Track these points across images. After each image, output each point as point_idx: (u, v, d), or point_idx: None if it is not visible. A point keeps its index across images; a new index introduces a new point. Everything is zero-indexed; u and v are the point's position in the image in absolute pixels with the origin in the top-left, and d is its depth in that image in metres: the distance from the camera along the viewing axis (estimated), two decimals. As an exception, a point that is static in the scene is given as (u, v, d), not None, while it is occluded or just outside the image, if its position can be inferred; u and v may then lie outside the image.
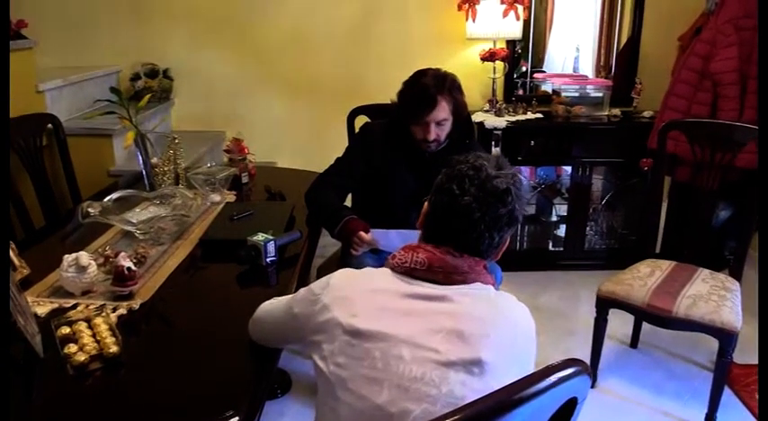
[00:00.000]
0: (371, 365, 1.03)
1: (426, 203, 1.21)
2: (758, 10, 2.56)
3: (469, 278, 1.12)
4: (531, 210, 3.62)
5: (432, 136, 2.03)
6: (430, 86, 1.99)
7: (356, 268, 1.22)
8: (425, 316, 1.07)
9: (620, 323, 2.63)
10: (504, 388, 0.86)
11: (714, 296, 2.15)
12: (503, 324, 1.08)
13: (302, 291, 1.22)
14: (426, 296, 1.09)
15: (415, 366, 1.01)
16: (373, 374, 1.03)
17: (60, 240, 2.03)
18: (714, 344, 2.13)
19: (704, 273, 2.33)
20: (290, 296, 1.26)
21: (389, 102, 2.14)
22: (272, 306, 1.32)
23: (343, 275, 1.18)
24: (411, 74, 2.07)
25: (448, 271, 1.11)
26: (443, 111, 2.01)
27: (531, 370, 1.02)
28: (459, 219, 1.12)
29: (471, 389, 0.99)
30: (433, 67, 2.08)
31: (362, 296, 1.11)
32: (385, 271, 1.17)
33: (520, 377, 0.88)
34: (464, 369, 1.00)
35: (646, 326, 2.58)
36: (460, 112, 2.07)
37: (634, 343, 2.71)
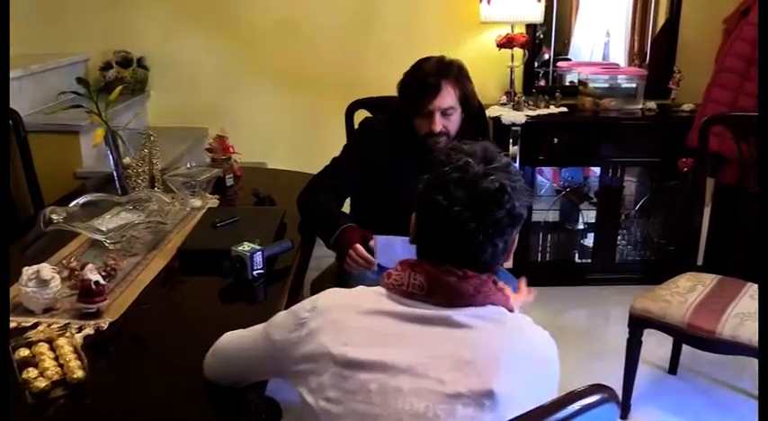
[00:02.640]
0: (366, 399, 1.02)
1: (413, 216, 1.18)
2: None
3: (477, 301, 1.09)
4: (555, 216, 3.62)
5: (437, 127, 2.02)
6: (432, 72, 2.01)
7: (354, 282, 1.22)
8: (428, 341, 1.05)
9: (656, 345, 2.63)
10: (519, 417, 0.86)
11: (764, 314, 2.15)
12: (518, 350, 1.07)
13: (282, 314, 1.20)
14: (429, 319, 1.08)
15: (416, 399, 1.00)
16: (368, 409, 1.02)
17: (20, 250, 2.03)
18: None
19: (753, 288, 2.33)
20: (263, 324, 1.23)
21: (392, 95, 2.15)
22: (238, 334, 1.29)
23: (331, 296, 1.17)
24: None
25: (450, 296, 1.09)
26: (449, 97, 2.01)
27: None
28: (453, 233, 1.09)
29: None
30: (441, 54, 2.10)
31: (354, 320, 1.10)
32: (380, 290, 1.15)
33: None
34: (473, 402, 0.99)
35: (686, 348, 2.57)
36: (470, 103, 2.08)
37: (672, 368, 2.70)
